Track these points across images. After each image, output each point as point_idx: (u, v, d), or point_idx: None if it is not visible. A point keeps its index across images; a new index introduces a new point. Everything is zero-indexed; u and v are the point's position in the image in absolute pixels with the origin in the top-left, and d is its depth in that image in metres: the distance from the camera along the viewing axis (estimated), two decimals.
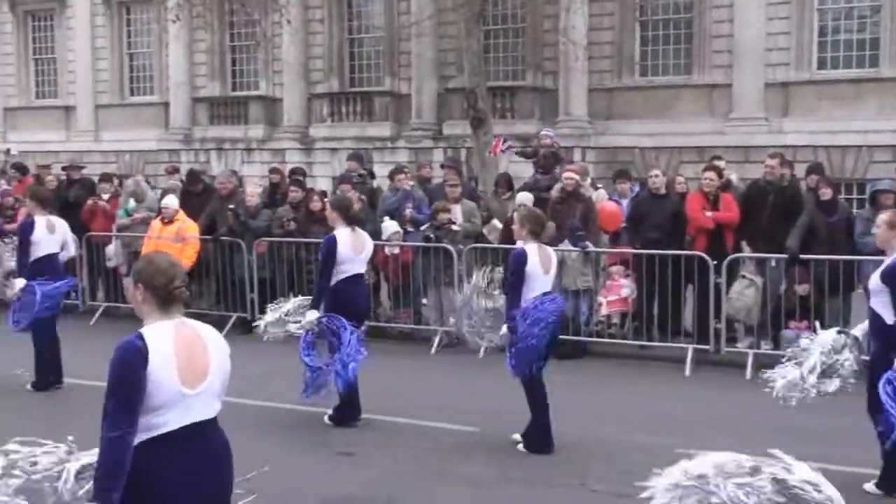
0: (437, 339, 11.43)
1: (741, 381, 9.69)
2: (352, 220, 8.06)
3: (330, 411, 8.10)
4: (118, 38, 29.69)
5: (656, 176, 11.64)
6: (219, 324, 9.82)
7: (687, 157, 20.66)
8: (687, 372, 10.22)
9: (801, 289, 10.18)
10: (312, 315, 7.83)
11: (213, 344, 3.53)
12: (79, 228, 13.39)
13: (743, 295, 10.37)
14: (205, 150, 27.56)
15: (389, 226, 11.73)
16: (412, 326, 11.94)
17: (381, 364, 10.76)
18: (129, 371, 3.25)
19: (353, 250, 7.93)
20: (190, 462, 3.38)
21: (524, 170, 16.56)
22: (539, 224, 7.46)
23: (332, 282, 7.86)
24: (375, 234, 11.78)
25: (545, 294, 7.25)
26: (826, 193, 10.49)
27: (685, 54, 22.50)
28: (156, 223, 12.35)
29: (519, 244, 7.45)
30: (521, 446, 7.36)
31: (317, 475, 6.84)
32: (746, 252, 10.81)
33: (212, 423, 3.50)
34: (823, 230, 10.29)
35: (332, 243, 7.86)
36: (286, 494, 6.31)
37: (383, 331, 12.06)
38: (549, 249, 7.57)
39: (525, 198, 11.59)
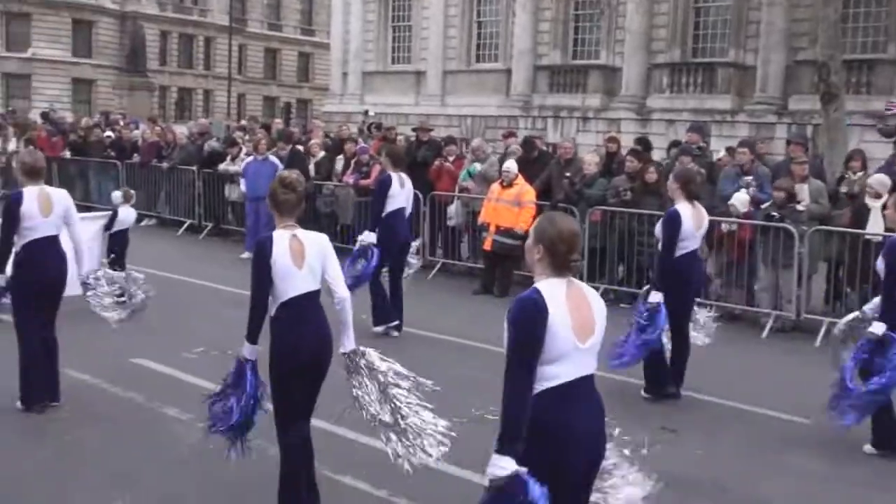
0: (769, 323, 10.96)
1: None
2: (692, 195, 7.89)
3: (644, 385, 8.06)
4: (469, 6, 30.92)
5: None
6: None
7: None
8: None
9: None
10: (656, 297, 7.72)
11: (595, 303, 3.67)
12: (425, 187, 14.20)
13: None
14: (542, 118, 28.12)
15: (741, 197, 11.30)
16: (743, 307, 11.52)
17: (709, 344, 10.58)
18: (532, 326, 3.43)
19: (693, 226, 7.77)
20: (586, 409, 3.58)
21: (877, 149, 15.39)
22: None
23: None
24: (710, 208, 11.49)
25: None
26: None
27: None
28: (495, 186, 12.80)
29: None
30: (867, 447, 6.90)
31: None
32: None
33: (592, 378, 3.65)
34: None
35: (675, 216, 7.74)
36: None
37: (711, 309, 11.75)
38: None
39: (879, 179, 10.78)
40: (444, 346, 9.61)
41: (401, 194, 9.89)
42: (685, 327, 8.01)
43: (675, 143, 15.37)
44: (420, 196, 14.09)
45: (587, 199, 12.39)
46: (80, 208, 8.21)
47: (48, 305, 6.95)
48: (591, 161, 12.93)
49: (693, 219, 7.76)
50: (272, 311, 5.01)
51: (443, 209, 14.17)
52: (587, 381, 3.60)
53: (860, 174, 11.66)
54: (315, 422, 5.35)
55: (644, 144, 14.09)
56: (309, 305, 5.01)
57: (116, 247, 10.93)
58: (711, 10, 26.06)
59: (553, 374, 3.49)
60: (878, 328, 6.58)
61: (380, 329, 9.77)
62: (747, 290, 11.53)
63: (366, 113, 26.55)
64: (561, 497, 3.44)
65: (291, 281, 4.94)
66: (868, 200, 10.78)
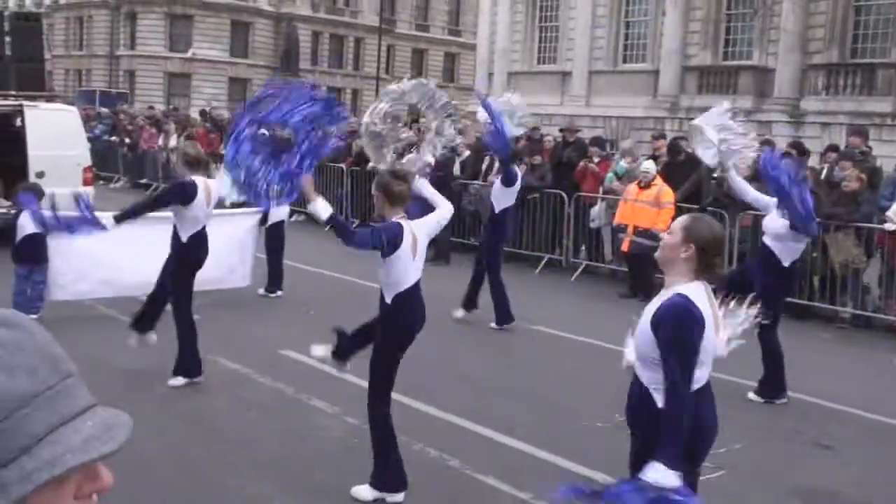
0: None
1: None
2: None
3: (755, 387, 7.92)
4: (617, 6, 30.54)
5: None
6: None
7: None
8: None
9: None
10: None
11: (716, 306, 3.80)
12: (570, 187, 14.13)
13: None
14: (689, 119, 27.47)
15: None
16: None
17: (858, 356, 10.13)
18: (693, 336, 3.53)
19: None
20: (713, 409, 3.78)
21: None
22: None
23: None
24: (869, 215, 11.00)
25: None
26: None
27: None
28: (632, 187, 12.62)
29: None
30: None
31: (787, 463, 6.60)
32: None
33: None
34: None
35: None
36: (754, 476, 6.22)
37: (868, 320, 11.27)
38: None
39: None
40: (586, 349, 9.52)
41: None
42: None
43: (831, 148, 14.77)
44: (565, 197, 14.06)
45: (737, 203, 12.04)
46: (235, 204, 8.50)
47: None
48: (741, 164, 12.55)
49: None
50: (388, 297, 5.32)
51: (587, 210, 14.06)
52: (710, 385, 3.77)
53: None
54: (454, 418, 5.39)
55: (798, 149, 13.58)
56: (417, 292, 5.40)
57: (274, 242, 11.22)
58: (873, 9, 24.92)
59: (698, 377, 3.60)
60: None
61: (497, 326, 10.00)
62: None
63: None
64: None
65: (408, 273, 5.27)
66: None
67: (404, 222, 5.25)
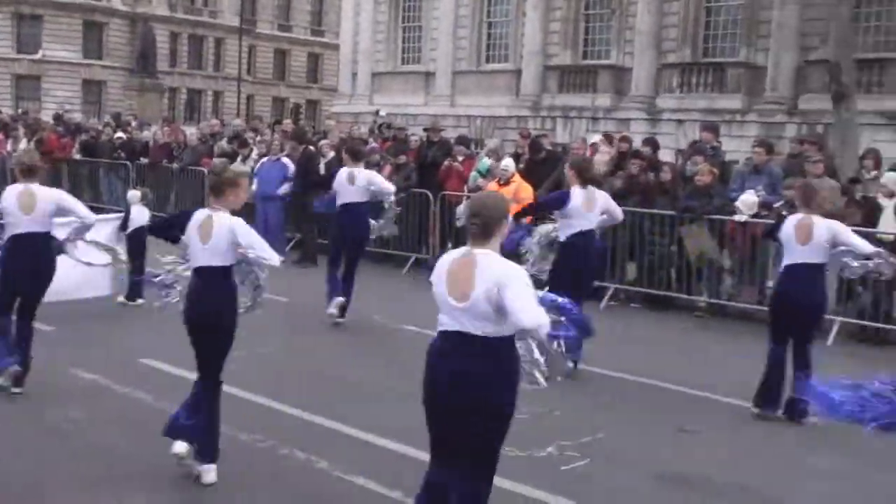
0: None
1: None
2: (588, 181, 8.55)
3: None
4: (479, 7, 30.89)
5: None
6: None
7: None
8: None
9: None
10: None
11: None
12: (435, 187, 14.19)
13: None
14: (551, 118, 28.07)
15: (747, 199, 11.26)
16: (755, 307, 11.46)
17: (723, 343, 10.55)
18: None
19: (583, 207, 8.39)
20: None
21: (890, 148, 15.31)
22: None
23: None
24: (721, 207, 11.45)
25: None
26: None
27: None
28: (492, 184, 12.76)
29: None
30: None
31: (653, 449, 6.78)
32: None
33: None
34: None
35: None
36: (618, 463, 6.37)
37: (723, 308, 11.73)
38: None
39: (893, 179, 10.72)
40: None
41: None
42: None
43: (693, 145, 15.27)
44: (431, 196, 14.12)
45: None
46: (91, 210, 8.18)
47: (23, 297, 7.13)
48: (600, 160, 12.91)
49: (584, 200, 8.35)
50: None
51: (452, 209, 14.13)
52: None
53: (874, 173, 11.60)
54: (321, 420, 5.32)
55: (652, 145, 14.00)
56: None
57: (135, 248, 10.87)
58: (722, 10, 25.96)
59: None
60: None
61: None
62: (760, 289, 11.48)
63: (377, 113, 26.54)
64: None
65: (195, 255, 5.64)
66: (881, 199, 10.72)
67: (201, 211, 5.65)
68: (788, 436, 7.23)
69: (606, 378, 8.57)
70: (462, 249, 4.28)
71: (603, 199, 8.63)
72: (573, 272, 8.24)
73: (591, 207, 8.45)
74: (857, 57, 19.97)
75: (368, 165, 14.86)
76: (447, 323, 4.21)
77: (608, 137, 14.62)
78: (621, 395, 8.15)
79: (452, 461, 4.20)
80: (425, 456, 4.51)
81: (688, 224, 11.68)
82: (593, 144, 14.21)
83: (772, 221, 10.92)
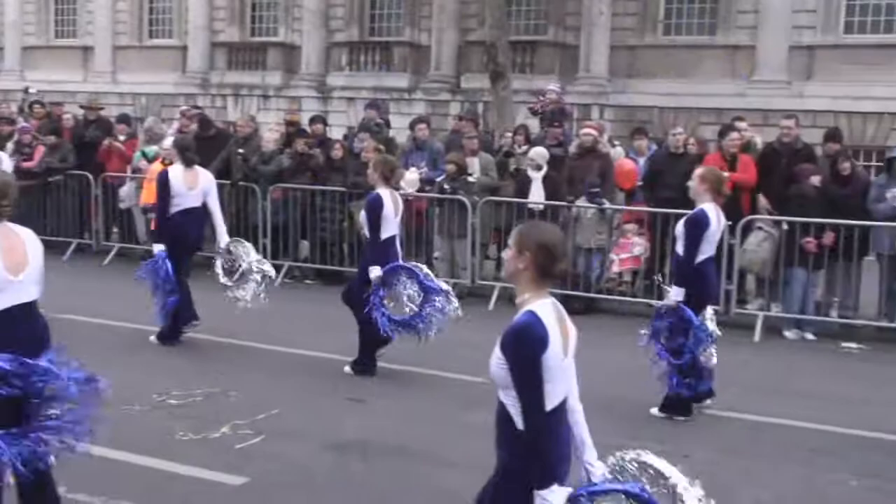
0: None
1: (749, 343, 9.73)
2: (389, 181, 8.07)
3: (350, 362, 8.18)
4: None
5: (679, 133, 11.56)
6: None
7: (706, 119, 20.46)
8: None
9: (828, 238, 9.98)
10: (375, 272, 7.84)
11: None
12: (94, 168, 13.44)
13: (759, 247, 10.22)
14: (221, 96, 27.49)
15: (409, 177, 11.65)
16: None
17: None
18: (536, 356, 3.27)
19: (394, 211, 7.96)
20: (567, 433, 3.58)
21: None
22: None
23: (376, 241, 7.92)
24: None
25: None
26: (845, 169, 10.36)
27: (710, 14, 22.20)
28: (156, 166, 12.27)
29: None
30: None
31: (325, 420, 6.88)
32: (764, 207, 10.72)
33: None
34: (836, 201, 10.14)
35: (377, 203, 7.86)
36: (292, 437, 6.40)
37: None
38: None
39: (539, 152, 11.54)
40: (125, 333, 9.13)
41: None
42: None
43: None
44: (91, 178, 13.35)
45: (266, 177, 12.29)
46: None
47: None
48: (269, 138, 12.83)
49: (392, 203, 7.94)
50: None
51: (115, 191, 13.47)
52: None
53: (525, 147, 12.42)
54: None
55: (322, 122, 14.10)
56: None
57: None
58: None
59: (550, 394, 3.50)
60: (677, 294, 7.11)
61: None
62: (427, 260, 11.94)
63: (26, 90, 24.57)
64: None
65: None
66: (530, 172, 11.50)
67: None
68: (448, 397, 7.60)
69: (275, 353, 8.59)
70: None
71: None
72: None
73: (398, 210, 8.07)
74: (512, 39, 21.28)
75: (20, 147, 13.84)
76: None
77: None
78: (292, 368, 8.21)
79: None
80: None
81: (356, 200, 11.90)
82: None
83: (436, 195, 11.50)
